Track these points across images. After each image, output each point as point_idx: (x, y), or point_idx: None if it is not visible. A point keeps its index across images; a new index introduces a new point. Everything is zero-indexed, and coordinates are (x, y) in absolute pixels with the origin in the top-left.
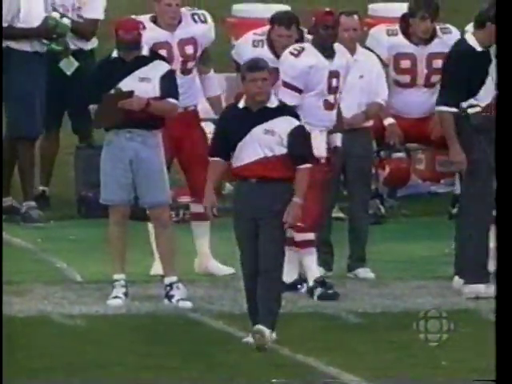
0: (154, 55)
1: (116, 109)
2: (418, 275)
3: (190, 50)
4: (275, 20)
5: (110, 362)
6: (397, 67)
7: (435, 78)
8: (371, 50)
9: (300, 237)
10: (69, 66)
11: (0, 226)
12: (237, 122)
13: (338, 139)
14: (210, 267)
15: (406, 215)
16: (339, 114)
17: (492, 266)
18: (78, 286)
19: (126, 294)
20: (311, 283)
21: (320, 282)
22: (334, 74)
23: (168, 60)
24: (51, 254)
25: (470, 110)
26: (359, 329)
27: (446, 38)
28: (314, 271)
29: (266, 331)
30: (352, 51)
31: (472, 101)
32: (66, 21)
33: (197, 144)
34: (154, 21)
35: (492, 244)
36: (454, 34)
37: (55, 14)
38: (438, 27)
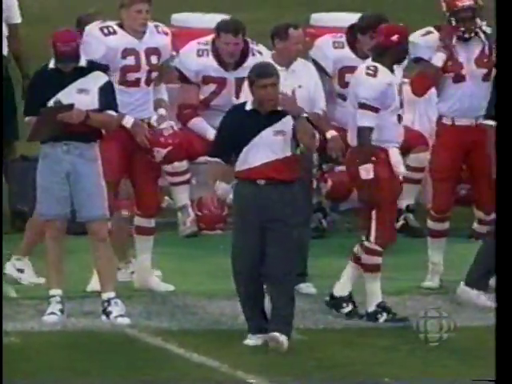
0: (93, 66)
1: (54, 121)
2: (360, 291)
3: (154, 59)
4: (222, 28)
5: (46, 380)
6: (341, 81)
7: None
8: (315, 61)
9: (369, 260)
10: None
11: (0, 231)
12: (244, 125)
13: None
14: (150, 283)
15: (348, 229)
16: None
17: None
18: (13, 301)
19: (62, 311)
20: (373, 308)
21: (383, 307)
22: (399, 88)
23: (135, 68)
24: None
25: None
26: (301, 345)
27: None
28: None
29: (284, 340)
30: (291, 63)
31: None
32: None
33: (150, 158)
34: (121, 27)
35: None
36: None
37: None
38: None
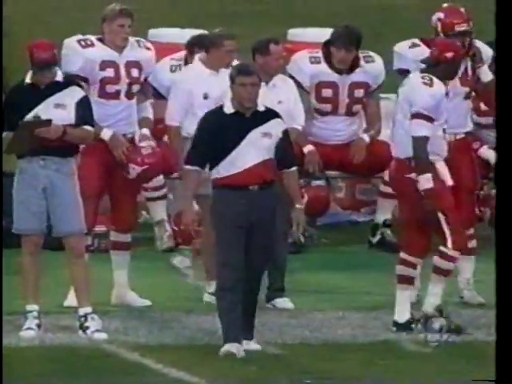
0: (69, 81)
1: (32, 136)
2: (337, 305)
3: (135, 73)
4: (196, 44)
5: None
6: (318, 96)
7: (356, 108)
8: (292, 76)
9: (443, 264)
10: None
11: (0, 239)
12: (229, 129)
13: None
14: (128, 298)
15: (325, 244)
16: None
17: None
18: None
19: (38, 326)
20: (431, 311)
21: (440, 311)
22: None
23: (115, 80)
24: None
25: None
26: (278, 360)
27: (369, 67)
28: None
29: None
30: (271, 77)
31: None
32: None
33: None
34: (101, 41)
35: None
36: (378, 63)
37: None
38: (361, 55)
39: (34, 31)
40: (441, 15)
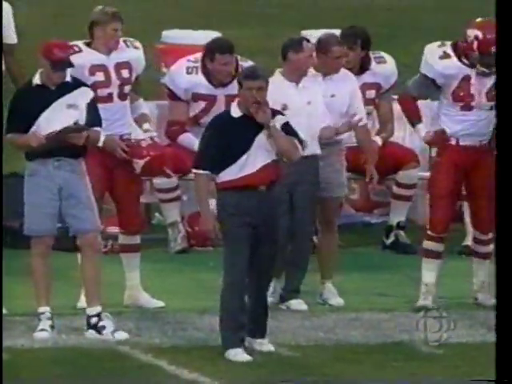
0: (78, 82)
1: (65, 141)
2: (350, 307)
3: (125, 73)
4: (218, 49)
5: None
6: None
7: (368, 109)
8: None
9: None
10: None
11: (0, 240)
12: (237, 133)
13: None
14: (141, 300)
15: (339, 246)
16: None
17: None
18: (3, 318)
19: (52, 327)
20: None
21: None
22: None
23: (105, 83)
24: None
25: None
26: (292, 362)
27: (380, 68)
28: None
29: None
30: (301, 78)
31: None
32: None
33: (131, 174)
34: (88, 45)
35: None
36: (389, 63)
37: None
38: (372, 56)
39: (36, 36)
40: (478, 34)
